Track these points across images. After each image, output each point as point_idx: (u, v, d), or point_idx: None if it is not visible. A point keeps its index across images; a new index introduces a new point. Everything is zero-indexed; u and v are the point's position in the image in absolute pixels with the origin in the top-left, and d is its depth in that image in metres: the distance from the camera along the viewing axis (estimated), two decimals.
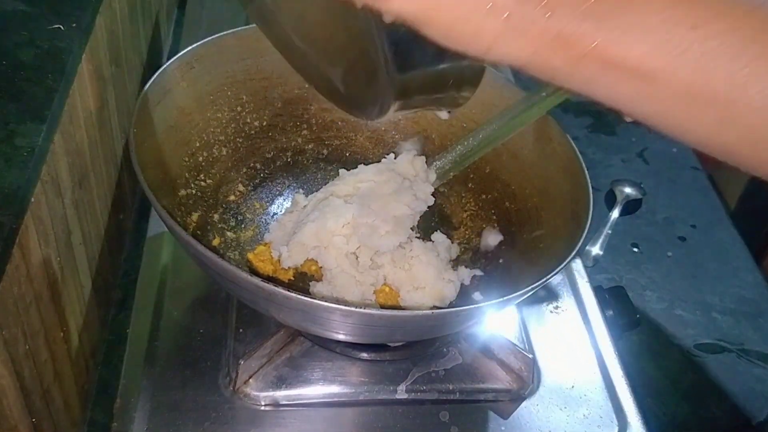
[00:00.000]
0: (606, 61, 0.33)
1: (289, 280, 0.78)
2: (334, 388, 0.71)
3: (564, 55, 0.33)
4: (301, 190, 0.88)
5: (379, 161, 0.83)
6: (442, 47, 0.35)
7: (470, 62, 0.39)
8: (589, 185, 0.72)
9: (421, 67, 0.38)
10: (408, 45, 0.36)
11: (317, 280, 0.78)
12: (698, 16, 0.32)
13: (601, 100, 0.35)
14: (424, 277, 0.75)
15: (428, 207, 0.79)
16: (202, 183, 0.81)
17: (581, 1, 0.32)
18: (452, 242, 0.84)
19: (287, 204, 0.87)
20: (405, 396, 0.71)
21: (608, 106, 0.36)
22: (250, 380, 0.70)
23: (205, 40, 0.79)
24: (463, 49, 0.34)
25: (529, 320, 0.81)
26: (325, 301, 0.58)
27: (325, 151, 0.91)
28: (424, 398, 0.72)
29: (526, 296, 0.64)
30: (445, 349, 0.75)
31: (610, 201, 1.09)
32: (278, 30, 0.49)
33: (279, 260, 0.78)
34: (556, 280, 0.86)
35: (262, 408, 0.69)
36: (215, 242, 0.80)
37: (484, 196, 0.87)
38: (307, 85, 0.87)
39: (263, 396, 0.69)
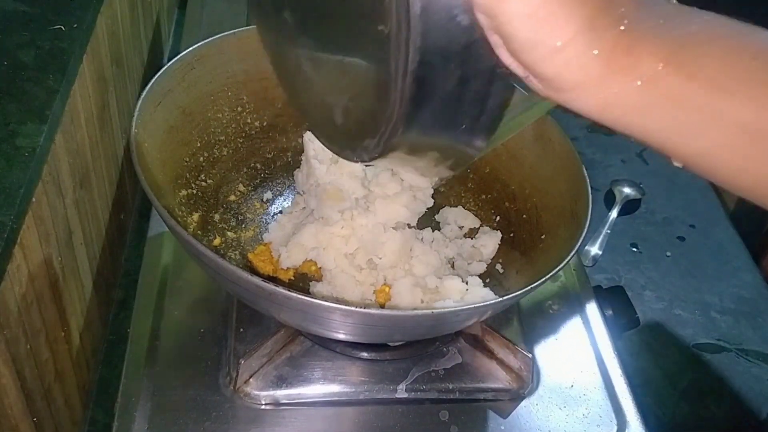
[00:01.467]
0: (671, 85, 0.31)
1: (290, 280, 0.79)
2: (334, 388, 0.71)
3: (631, 74, 0.31)
4: (301, 191, 0.88)
5: None
6: (466, 75, 0.33)
7: (491, 101, 0.36)
8: (588, 185, 0.72)
9: (439, 95, 0.34)
10: (432, 68, 0.33)
11: (317, 280, 0.78)
12: (758, 48, 0.32)
13: (656, 135, 0.34)
14: (424, 276, 0.76)
15: (427, 208, 0.80)
16: (203, 183, 0.81)
17: (654, 21, 0.32)
18: (452, 242, 0.84)
19: (287, 204, 0.87)
20: (405, 395, 0.72)
21: (659, 146, 0.34)
22: (251, 380, 0.70)
23: (206, 40, 0.79)
24: (530, 56, 0.32)
25: (529, 320, 0.81)
26: (325, 301, 0.58)
27: None
28: (424, 397, 0.72)
29: (525, 296, 0.64)
30: (445, 349, 0.75)
31: (610, 201, 1.09)
32: (285, 45, 0.45)
33: (279, 260, 0.78)
34: (556, 279, 0.87)
35: (263, 407, 0.69)
36: (216, 242, 0.80)
37: (483, 196, 0.88)
38: None
39: (264, 395, 0.69)
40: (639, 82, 0.31)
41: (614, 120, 0.33)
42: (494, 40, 0.32)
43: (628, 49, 0.31)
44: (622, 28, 0.31)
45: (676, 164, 0.35)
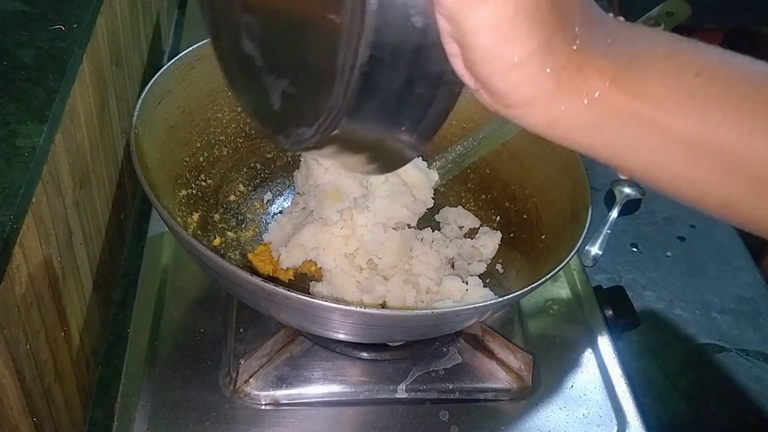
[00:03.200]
0: (618, 103, 0.32)
1: (290, 280, 0.79)
2: (334, 388, 0.71)
3: (580, 91, 0.32)
4: (300, 192, 0.88)
5: None
6: (414, 77, 0.33)
7: (434, 107, 0.35)
8: (589, 185, 0.72)
9: (384, 93, 0.33)
10: (381, 65, 0.32)
11: (317, 280, 0.78)
12: (701, 65, 0.32)
13: (602, 151, 0.34)
14: (424, 276, 0.76)
15: (427, 208, 0.80)
16: (203, 183, 0.81)
17: (603, 41, 0.32)
18: (452, 242, 0.84)
19: (287, 204, 0.87)
20: (405, 395, 0.72)
21: (605, 160, 0.35)
22: (251, 380, 0.70)
23: (206, 40, 0.79)
24: (486, 69, 0.31)
25: (529, 320, 0.81)
26: (325, 301, 0.58)
27: None
28: (424, 398, 0.72)
29: (526, 296, 0.64)
30: (445, 349, 0.75)
31: (610, 201, 1.09)
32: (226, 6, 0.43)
33: (279, 260, 0.78)
34: (556, 279, 0.87)
35: (263, 407, 0.69)
36: (216, 242, 0.80)
37: (483, 196, 0.88)
38: None
39: (263, 395, 0.69)
40: (586, 101, 0.32)
41: (561, 136, 0.34)
42: (451, 48, 0.32)
43: (578, 68, 0.31)
44: (574, 47, 0.31)
45: (622, 176, 0.37)
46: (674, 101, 0.32)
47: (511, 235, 0.83)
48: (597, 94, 0.32)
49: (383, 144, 0.37)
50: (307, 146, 0.37)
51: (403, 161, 0.39)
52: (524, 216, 0.82)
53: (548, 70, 0.31)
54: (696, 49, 0.33)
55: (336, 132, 0.35)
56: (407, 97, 0.34)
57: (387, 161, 0.39)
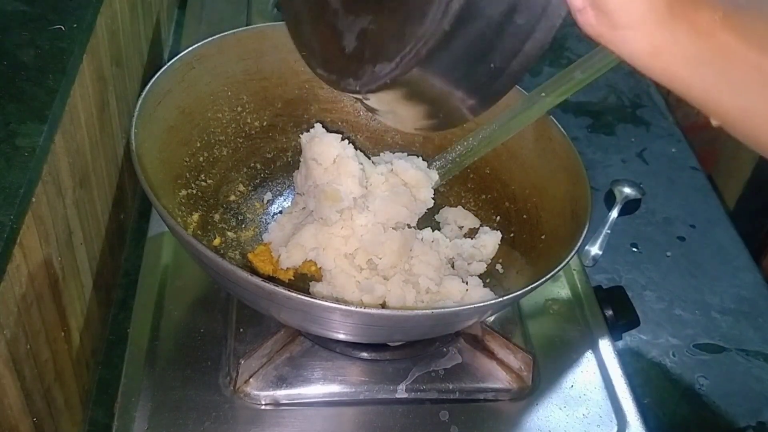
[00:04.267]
0: (725, 40, 0.31)
1: (290, 280, 0.79)
2: (334, 388, 0.71)
3: (690, 21, 0.31)
4: (300, 192, 0.88)
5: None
6: (516, 5, 0.31)
7: (536, 36, 0.33)
8: (589, 185, 0.72)
9: (483, 20, 0.30)
10: (476, 6, 0.29)
11: (317, 280, 0.78)
12: None
13: (699, 89, 0.33)
14: (424, 276, 0.76)
15: (427, 208, 0.79)
16: (203, 183, 0.81)
17: None
18: (452, 242, 0.84)
19: (287, 204, 0.87)
20: (405, 395, 0.72)
21: (699, 101, 0.34)
22: (251, 380, 0.70)
23: (206, 40, 0.79)
24: None
25: (529, 320, 0.81)
26: (325, 301, 0.58)
27: None
28: (424, 398, 0.72)
29: (525, 296, 0.64)
30: (445, 349, 0.75)
31: (610, 201, 1.09)
32: None
33: (279, 260, 0.78)
34: (556, 279, 0.87)
35: (263, 407, 0.69)
36: (216, 242, 0.80)
37: (483, 196, 0.88)
38: (307, 86, 0.87)
39: (263, 395, 0.69)
40: (695, 32, 0.31)
41: (661, 69, 0.33)
42: None
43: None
44: None
45: (714, 123, 0.35)
46: None
47: (511, 235, 0.83)
48: (706, 26, 0.31)
49: (450, 95, 0.35)
50: (380, 84, 0.35)
51: (461, 120, 0.37)
52: (524, 216, 0.82)
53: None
54: None
55: (419, 64, 0.32)
56: (505, 27, 0.32)
57: (444, 119, 0.37)
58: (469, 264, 0.82)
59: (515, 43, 0.32)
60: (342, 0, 0.39)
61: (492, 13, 0.31)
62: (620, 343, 0.89)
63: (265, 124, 0.87)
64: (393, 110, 0.39)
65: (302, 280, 0.79)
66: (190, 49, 0.77)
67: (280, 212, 0.87)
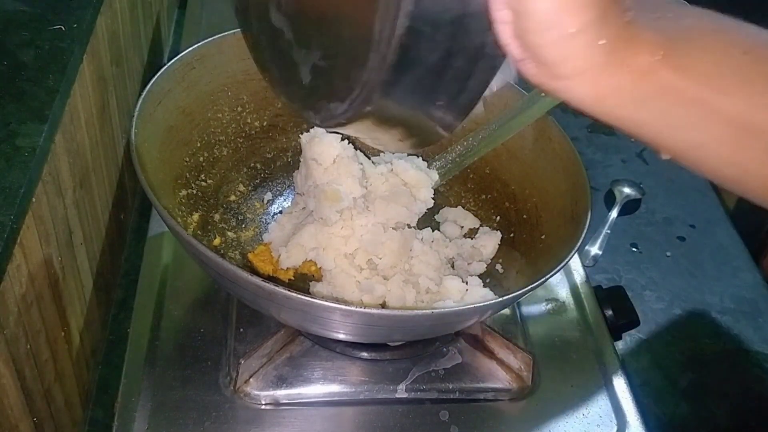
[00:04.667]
0: (666, 79, 0.31)
1: (290, 280, 0.79)
2: (334, 388, 0.71)
3: (630, 65, 0.31)
4: (300, 192, 0.88)
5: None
6: (453, 49, 0.31)
7: (473, 80, 0.33)
8: (589, 185, 0.72)
9: (421, 65, 0.31)
10: (420, 36, 0.30)
11: (317, 280, 0.78)
12: (749, 44, 0.32)
13: (647, 128, 0.34)
14: (424, 276, 0.76)
15: (427, 208, 0.79)
16: (203, 183, 0.81)
17: (652, 16, 0.32)
18: (452, 242, 0.84)
19: (287, 204, 0.87)
20: (405, 395, 0.72)
21: (648, 139, 0.34)
22: (251, 380, 0.70)
23: (206, 40, 0.79)
24: (539, 38, 0.30)
25: (529, 320, 0.81)
26: (325, 301, 0.58)
27: None
28: (424, 397, 0.72)
29: (525, 296, 0.64)
30: (445, 349, 0.75)
31: (610, 201, 1.09)
32: None
33: (279, 260, 0.78)
34: (556, 279, 0.87)
35: (263, 407, 0.69)
36: (216, 242, 0.80)
37: (483, 196, 0.88)
38: None
39: (264, 395, 0.69)
40: (636, 75, 0.31)
41: (607, 111, 0.33)
42: (501, 15, 0.31)
43: (629, 41, 0.31)
44: (626, 20, 0.31)
45: (664, 157, 0.36)
46: (721, 79, 0.31)
47: (511, 235, 0.83)
48: (646, 68, 0.31)
49: (417, 120, 0.35)
50: (339, 122, 0.35)
51: (437, 137, 0.37)
52: (524, 216, 0.82)
53: (602, 42, 0.30)
54: (741, 27, 0.33)
55: (369, 107, 0.33)
56: (445, 70, 0.32)
57: (420, 137, 0.38)
58: (469, 264, 0.82)
59: (458, 83, 0.33)
60: (293, 31, 0.39)
61: (430, 59, 0.31)
62: (620, 343, 0.89)
63: (265, 124, 0.87)
64: (370, 135, 0.39)
65: (302, 280, 0.79)
66: (190, 49, 0.77)
67: (280, 212, 0.87)
